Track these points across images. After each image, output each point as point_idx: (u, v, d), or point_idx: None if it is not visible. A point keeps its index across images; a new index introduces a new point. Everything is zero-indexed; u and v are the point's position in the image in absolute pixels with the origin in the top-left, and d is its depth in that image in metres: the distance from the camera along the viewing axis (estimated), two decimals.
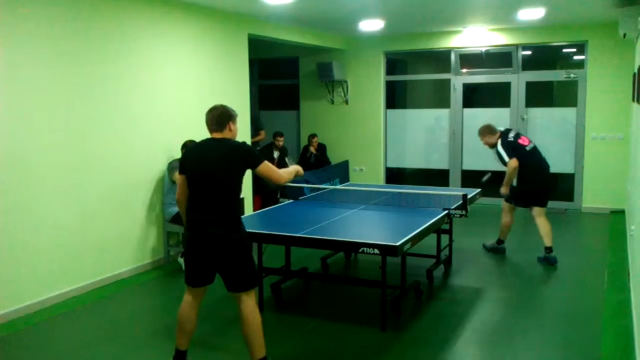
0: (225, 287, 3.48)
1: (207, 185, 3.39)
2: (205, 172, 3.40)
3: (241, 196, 3.61)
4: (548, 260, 6.07)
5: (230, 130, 3.53)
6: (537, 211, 6.23)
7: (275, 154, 8.81)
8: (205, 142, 3.55)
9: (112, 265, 5.54)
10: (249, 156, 3.46)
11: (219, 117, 3.51)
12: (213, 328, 4.39)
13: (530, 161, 6.20)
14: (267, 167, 3.49)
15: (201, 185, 3.41)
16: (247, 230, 4.38)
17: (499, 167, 6.49)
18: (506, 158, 6.12)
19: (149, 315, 4.90)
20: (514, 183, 6.30)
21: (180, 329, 3.60)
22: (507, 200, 6.43)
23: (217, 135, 3.50)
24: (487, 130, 6.30)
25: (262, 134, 8.93)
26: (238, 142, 3.54)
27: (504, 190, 6.28)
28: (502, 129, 6.37)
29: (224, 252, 3.38)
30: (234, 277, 3.44)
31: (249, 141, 7.57)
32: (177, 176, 3.72)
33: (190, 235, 3.46)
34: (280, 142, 8.77)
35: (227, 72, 7.11)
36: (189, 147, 3.69)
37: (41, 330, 4.44)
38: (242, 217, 3.53)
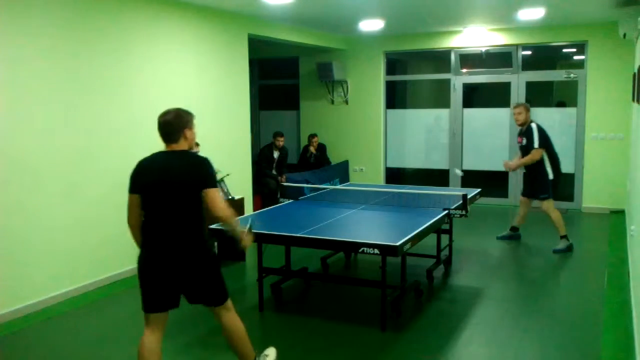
0: (201, 303, 3.24)
1: (167, 203, 3.06)
2: (166, 188, 3.06)
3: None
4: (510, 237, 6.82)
5: (185, 138, 3.15)
6: (528, 202, 6.76)
7: (275, 154, 8.81)
8: (160, 155, 3.16)
9: (112, 265, 5.54)
10: (205, 175, 3.09)
11: (171, 127, 3.11)
12: (214, 327, 4.39)
13: (556, 155, 6.52)
14: (216, 195, 3.07)
15: (161, 203, 3.07)
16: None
17: (498, 167, 6.55)
18: (536, 143, 6.32)
19: None
20: (550, 176, 6.41)
21: None
22: (546, 198, 6.44)
23: (172, 148, 3.14)
24: (527, 107, 6.54)
25: None
26: (198, 157, 3.18)
27: (513, 165, 6.63)
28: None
29: (190, 271, 3.10)
30: (205, 294, 3.20)
31: (249, 141, 7.56)
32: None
33: (148, 257, 3.11)
34: (281, 142, 8.76)
35: (227, 72, 7.11)
36: (139, 163, 3.21)
37: (41, 330, 4.44)
38: (205, 233, 3.19)
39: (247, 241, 3.30)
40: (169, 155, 3.14)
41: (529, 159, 6.34)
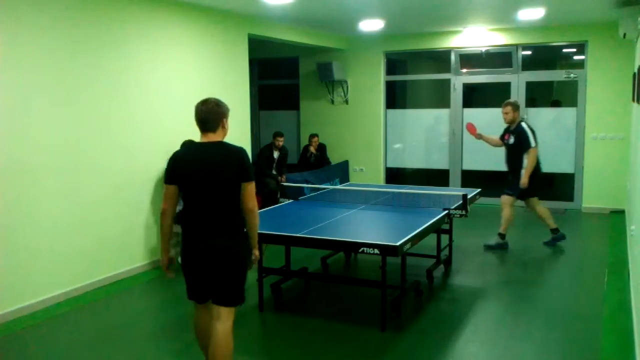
0: (211, 298, 3.21)
1: (208, 193, 3.09)
2: (208, 178, 3.07)
3: None
4: (557, 240, 6.54)
5: (223, 128, 3.20)
6: (535, 201, 6.54)
7: (275, 154, 8.82)
8: (199, 146, 3.18)
9: (112, 266, 5.54)
10: (246, 167, 3.13)
11: (210, 115, 3.13)
12: None
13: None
14: (253, 190, 3.15)
15: (201, 192, 3.10)
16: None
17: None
18: (532, 142, 6.25)
19: (149, 315, 4.90)
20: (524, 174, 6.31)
21: (203, 345, 3.31)
22: (511, 195, 6.45)
23: (211, 138, 3.16)
24: (516, 106, 6.46)
25: None
26: (237, 148, 3.16)
27: (525, 181, 6.25)
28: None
29: (224, 263, 3.11)
30: (224, 288, 3.15)
31: (248, 141, 7.56)
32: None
33: (188, 248, 3.17)
34: (280, 142, 8.77)
35: (227, 72, 7.11)
36: (176, 154, 3.25)
37: (41, 330, 4.44)
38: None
39: (257, 255, 3.29)
40: (209, 146, 3.14)
41: (532, 162, 6.21)
